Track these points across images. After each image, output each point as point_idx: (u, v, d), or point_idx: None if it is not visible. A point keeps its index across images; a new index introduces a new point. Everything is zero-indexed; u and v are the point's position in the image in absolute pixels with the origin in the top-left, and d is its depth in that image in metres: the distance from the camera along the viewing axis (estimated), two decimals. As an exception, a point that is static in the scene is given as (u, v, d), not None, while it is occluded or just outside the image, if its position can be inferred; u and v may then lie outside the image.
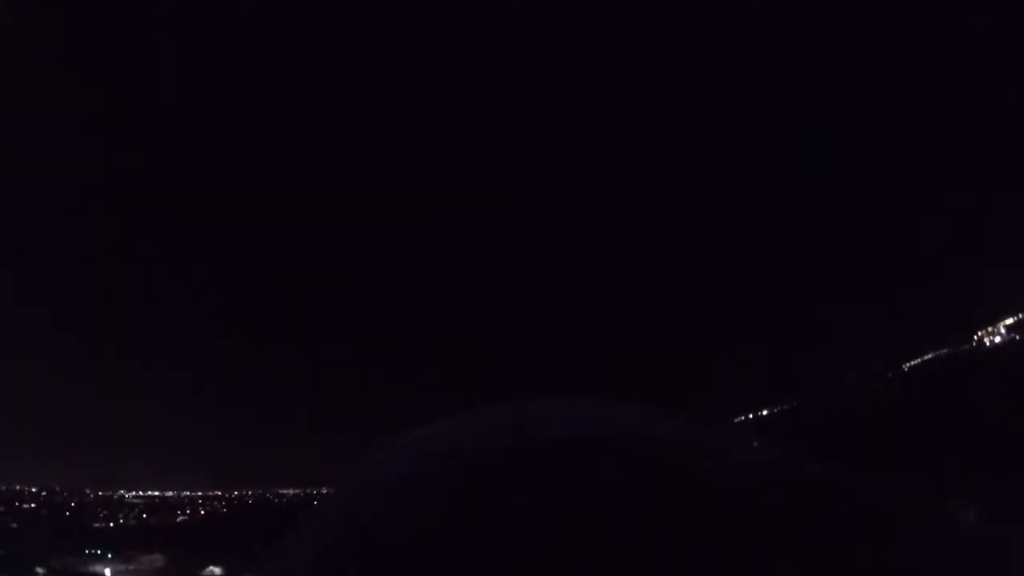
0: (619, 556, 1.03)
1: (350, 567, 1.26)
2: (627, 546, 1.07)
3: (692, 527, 1.14)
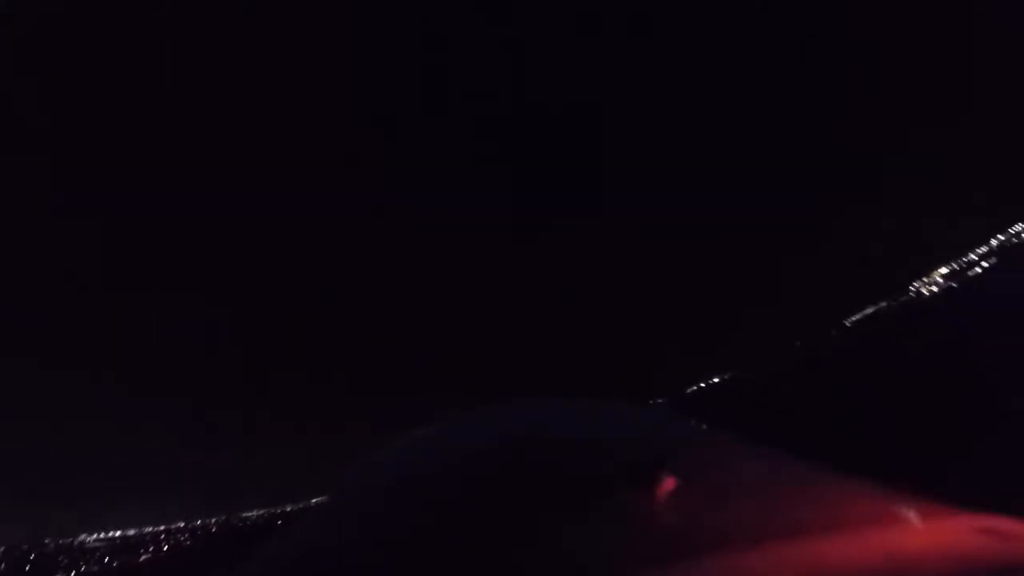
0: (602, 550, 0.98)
1: (351, 565, 1.16)
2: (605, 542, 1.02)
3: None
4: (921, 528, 1.19)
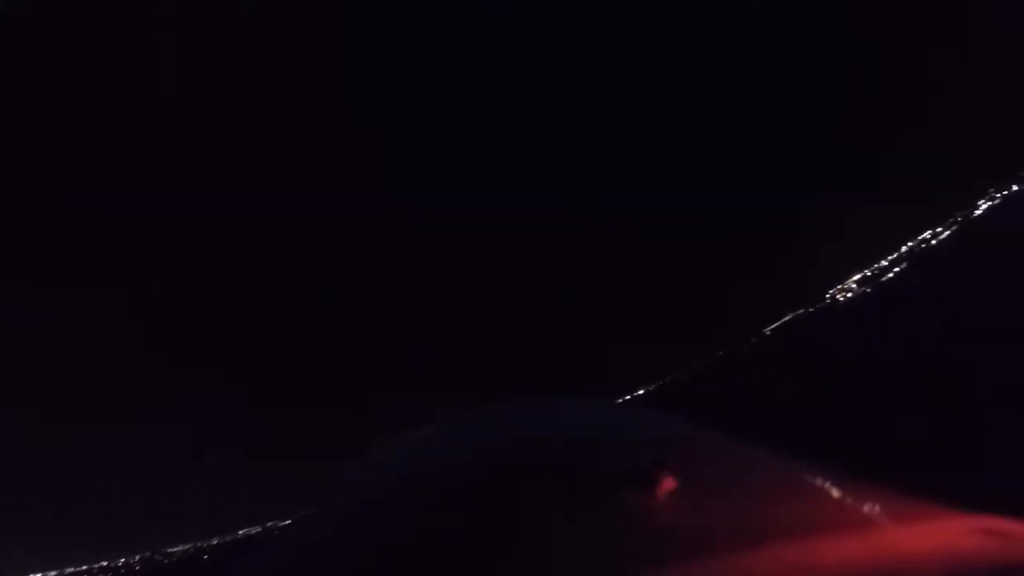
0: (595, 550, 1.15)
1: (351, 566, 1.34)
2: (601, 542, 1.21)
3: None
4: (921, 528, 1.21)
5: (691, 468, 1.57)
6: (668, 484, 1.43)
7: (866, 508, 1.38)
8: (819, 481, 1.55)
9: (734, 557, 1.12)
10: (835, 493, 1.48)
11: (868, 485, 1.45)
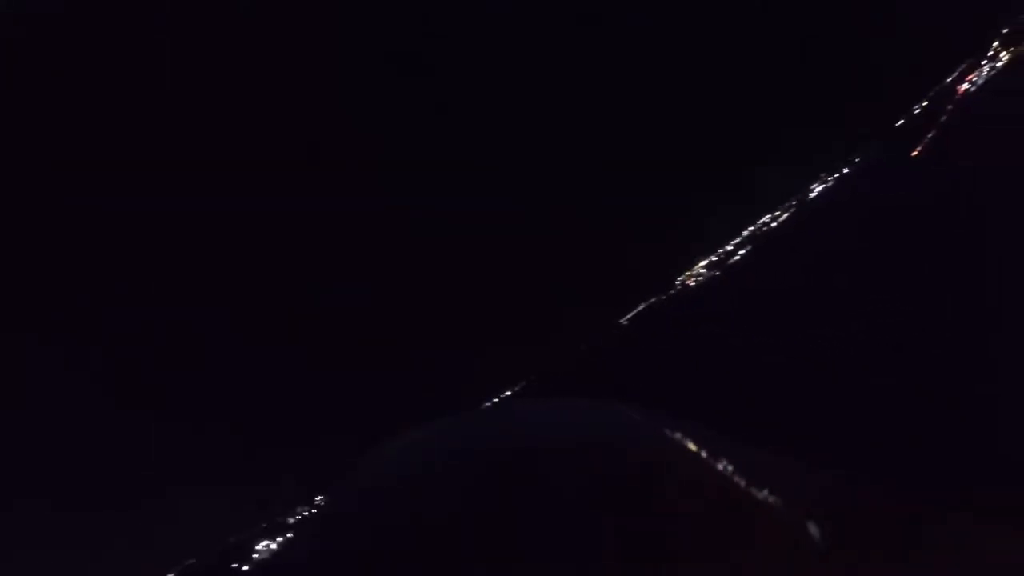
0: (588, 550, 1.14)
1: (351, 566, 1.38)
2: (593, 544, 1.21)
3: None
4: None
5: (686, 468, 1.65)
6: (668, 483, 1.49)
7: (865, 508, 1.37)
8: (823, 482, 1.69)
9: (732, 557, 1.12)
10: (839, 494, 1.54)
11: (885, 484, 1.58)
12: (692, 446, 1.95)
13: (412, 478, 2.06)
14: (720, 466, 1.73)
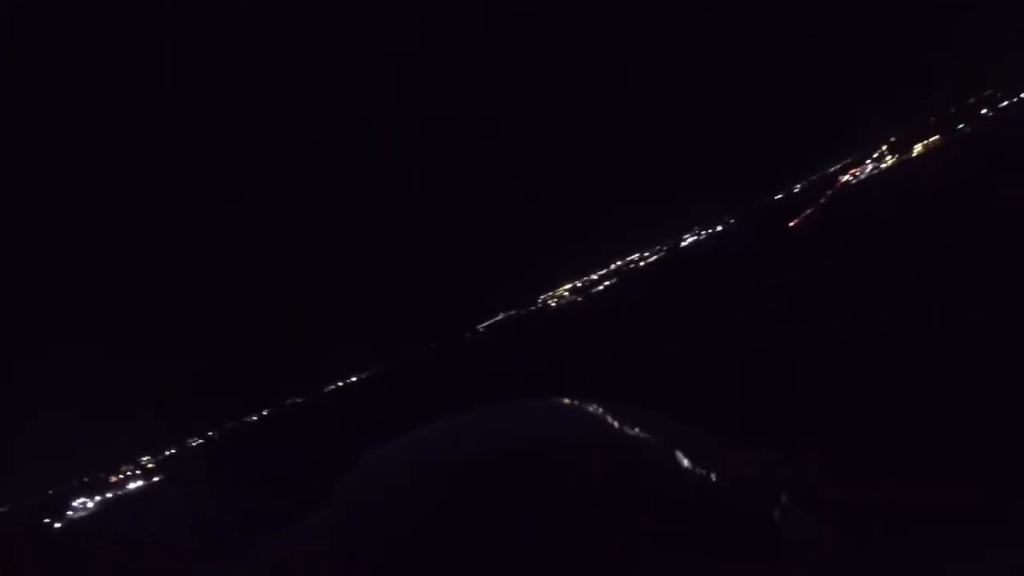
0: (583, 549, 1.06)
1: (355, 562, 1.17)
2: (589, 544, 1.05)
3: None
4: None
5: (687, 467, 1.72)
6: (668, 483, 1.47)
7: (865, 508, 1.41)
8: (823, 480, 1.61)
9: (732, 557, 1.08)
10: (839, 492, 1.49)
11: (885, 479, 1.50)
12: (671, 445, 2.39)
13: (413, 476, 2.63)
14: (700, 461, 2.12)
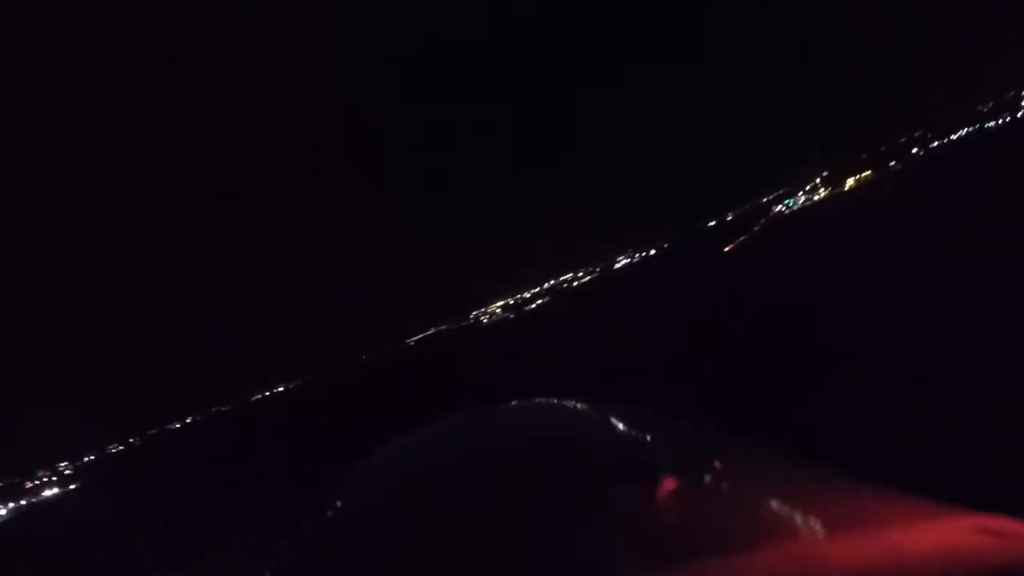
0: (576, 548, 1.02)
1: (351, 567, 1.19)
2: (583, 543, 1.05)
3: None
4: (921, 528, 1.09)
5: (689, 467, 1.43)
6: (668, 484, 1.27)
7: (865, 508, 1.22)
8: (819, 480, 1.41)
9: (734, 557, 1.00)
10: (834, 492, 1.33)
11: (868, 485, 1.29)
12: (698, 449, 1.80)
13: (411, 478, 1.89)
14: (712, 464, 1.62)
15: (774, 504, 1.28)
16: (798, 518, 1.20)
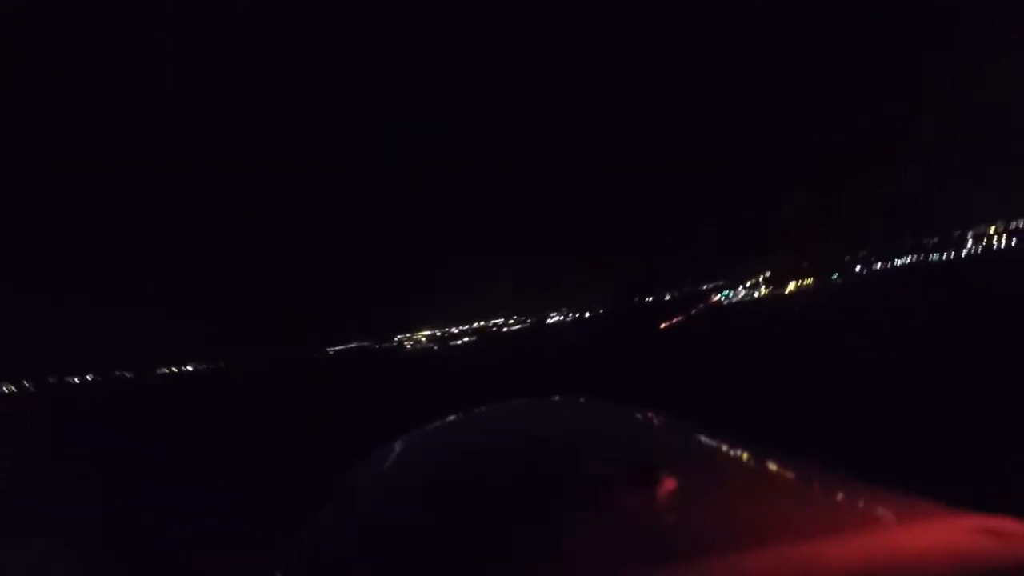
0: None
1: (351, 569, 1.15)
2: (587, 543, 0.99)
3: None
4: (921, 528, 0.99)
5: (689, 467, 1.35)
6: (668, 484, 1.19)
7: (865, 508, 1.16)
8: (818, 480, 1.31)
9: (733, 558, 0.89)
10: (834, 493, 1.26)
11: (866, 484, 1.20)
12: (697, 448, 1.99)
13: (411, 478, 2.11)
14: (712, 464, 1.78)
15: (773, 504, 1.15)
16: (798, 518, 1.06)
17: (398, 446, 1.99)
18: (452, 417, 2.14)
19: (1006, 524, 0.93)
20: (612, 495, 1.22)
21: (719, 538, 0.99)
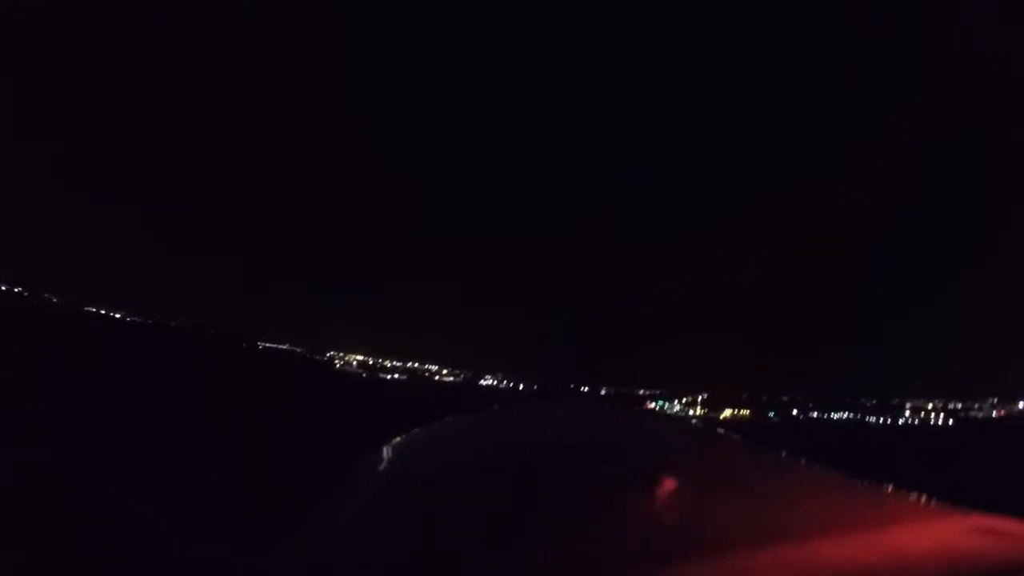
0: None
1: (350, 562, 1.34)
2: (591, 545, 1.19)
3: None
4: (921, 528, 1.18)
5: (691, 468, 1.52)
6: (669, 485, 1.37)
7: (865, 508, 1.34)
8: (818, 480, 1.52)
9: (735, 558, 1.05)
10: (833, 493, 1.44)
11: (867, 485, 1.42)
12: (698, 449, 1.93)
13: (412, 479, 1.83)
14: (711, 464, 1.65)
15: (773, 504, 1.33)
16: (797, 518, 1.24)
17: (398, 446, 2.21)
18: (451, 417, 2.39)
19: (1006, 524, 1.07)
20: (613, 495, 1.34)
21: (721, 538, 1.10)
